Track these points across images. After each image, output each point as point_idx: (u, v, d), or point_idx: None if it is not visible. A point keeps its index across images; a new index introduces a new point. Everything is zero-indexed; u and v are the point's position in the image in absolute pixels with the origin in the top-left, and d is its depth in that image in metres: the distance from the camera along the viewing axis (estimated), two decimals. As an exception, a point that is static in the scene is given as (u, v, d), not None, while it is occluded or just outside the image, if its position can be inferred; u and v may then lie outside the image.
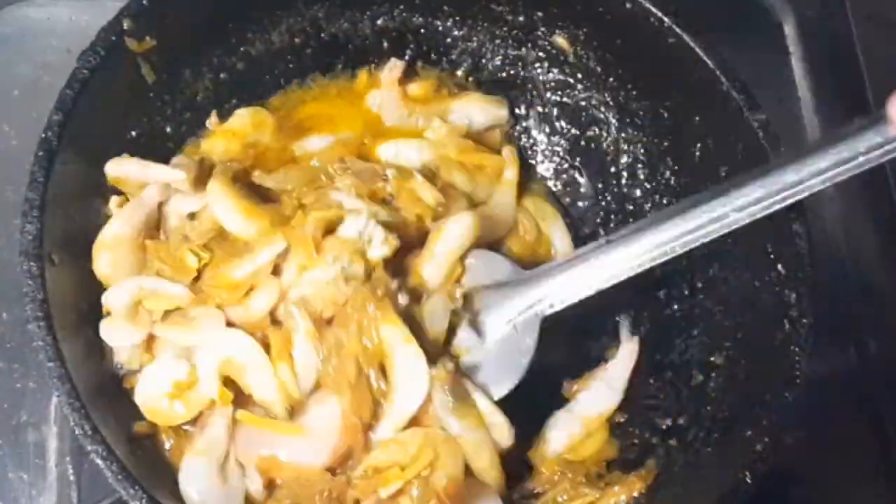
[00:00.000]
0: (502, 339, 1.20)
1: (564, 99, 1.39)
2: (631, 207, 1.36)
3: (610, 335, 1.32)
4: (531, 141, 1.44)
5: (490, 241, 1.29)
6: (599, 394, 1.23)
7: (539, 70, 1.38)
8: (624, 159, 1.36)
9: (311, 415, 1.12)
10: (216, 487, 1.10)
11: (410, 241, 1.20)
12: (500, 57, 1.39)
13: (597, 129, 1.37)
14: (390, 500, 1.07)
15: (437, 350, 1.16)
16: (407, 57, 1.39)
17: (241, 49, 1.31)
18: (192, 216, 1.19)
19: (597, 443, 1.22)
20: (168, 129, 1.26)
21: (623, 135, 1.35)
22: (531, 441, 1.23)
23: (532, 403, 1.22)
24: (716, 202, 1.09)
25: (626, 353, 1.27)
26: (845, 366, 1.45)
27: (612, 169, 1.37)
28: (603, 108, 1.35)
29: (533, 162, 1.44)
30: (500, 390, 1.18)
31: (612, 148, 1.36)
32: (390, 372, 1.11)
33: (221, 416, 1.12)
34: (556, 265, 1.22)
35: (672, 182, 1.31)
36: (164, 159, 1.24)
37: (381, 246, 1.15)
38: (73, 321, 1.08)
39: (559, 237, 1.37)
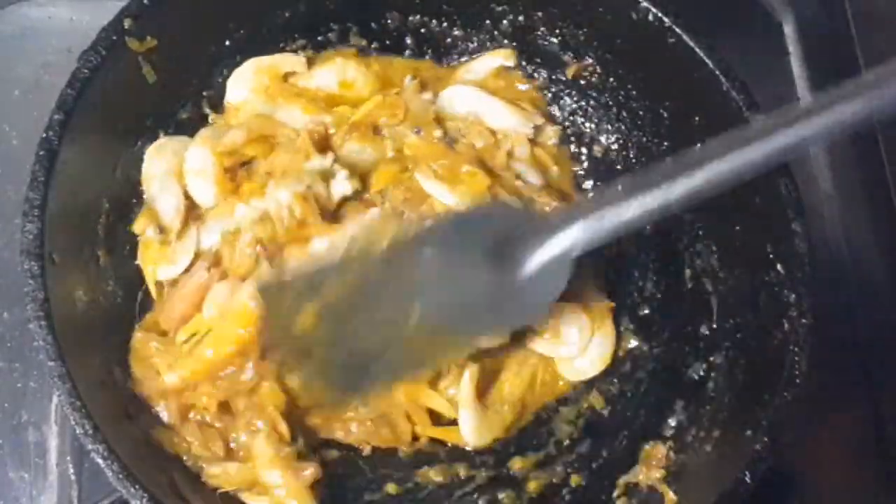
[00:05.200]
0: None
1: (564, 99, 1.39)
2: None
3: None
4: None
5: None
6: None
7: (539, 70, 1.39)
8: (624, 160, 1.36)
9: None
10: None
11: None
12: (500, 57, 1.39)
13: (596, 130, 1.37)
14: None
15: None
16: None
17: (243, 47, 1.31)
18: None
19: None
20: (170, 130, 1.26)
21: (623, 135, 1.35)
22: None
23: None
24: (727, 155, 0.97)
25: None
26: (845, 366, 1.45)
27: (611, 170, 1.37)
28: (603, 109, 1.35)
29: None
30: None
31: (612, 148, 1.36)
32: None
33: None
34: (580, 209, 1.11)
35: (672, 182, 1.31)
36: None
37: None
38: (74, 320, 1.08)
39: None
